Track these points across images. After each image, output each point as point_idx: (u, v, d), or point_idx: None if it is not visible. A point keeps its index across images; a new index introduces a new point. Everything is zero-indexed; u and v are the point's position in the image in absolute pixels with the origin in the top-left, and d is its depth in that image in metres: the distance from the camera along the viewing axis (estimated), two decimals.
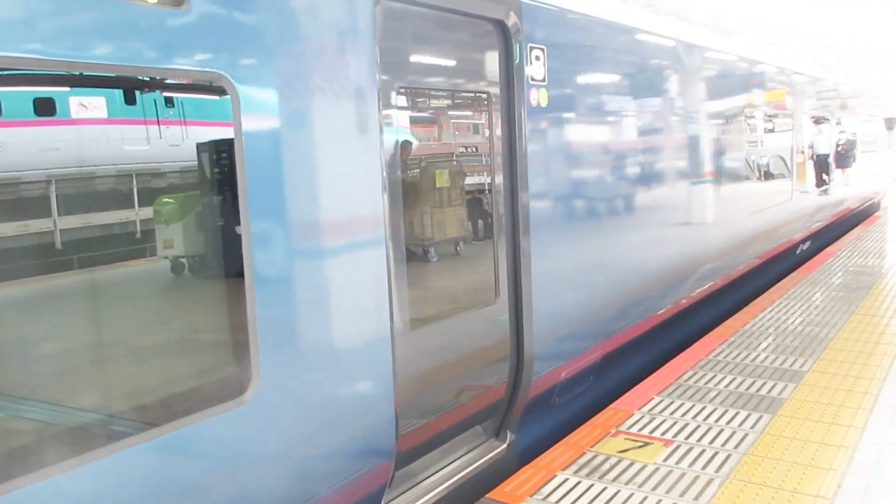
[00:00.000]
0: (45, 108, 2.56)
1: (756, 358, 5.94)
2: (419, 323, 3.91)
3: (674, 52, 6.62)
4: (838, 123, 13.31)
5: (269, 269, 2.94)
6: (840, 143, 13.27)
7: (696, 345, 6.38)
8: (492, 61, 4.27)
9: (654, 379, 5.54)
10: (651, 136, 6.23)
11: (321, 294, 3.19)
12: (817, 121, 11.94)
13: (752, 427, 4.57)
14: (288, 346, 3.04)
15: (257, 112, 2.84)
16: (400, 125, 3.73)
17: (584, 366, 5.24)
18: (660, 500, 3.71)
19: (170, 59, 2.57)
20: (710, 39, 7.44)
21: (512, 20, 4.26)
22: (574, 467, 4.10)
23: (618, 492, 3.81)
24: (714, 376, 5.53)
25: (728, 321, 7.16)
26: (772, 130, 10.10)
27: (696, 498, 3.72)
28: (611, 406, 5.02)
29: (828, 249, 11.36)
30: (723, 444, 4.33)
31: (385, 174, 3.47)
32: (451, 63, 4.22)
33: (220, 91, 2.74)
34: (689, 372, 5.65)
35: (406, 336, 3.74)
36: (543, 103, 4.55)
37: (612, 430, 4.58)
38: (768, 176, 9.79)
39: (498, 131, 4.32)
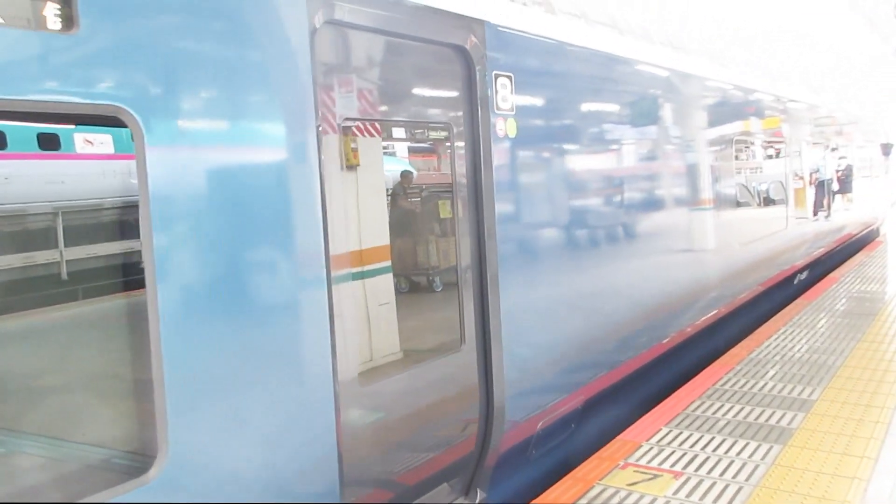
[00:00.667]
0: None
1: (763, 387, 5.83)
2: (370, 377, 3.60)
3: (655, 78, 6.41)
4: (834, 149, 13.30)
5: (179, 323, 2.54)
6: (839, 168, 13.25)
7: (702, 374, 6.27)
8: (453, 90, 3.99)
9: (661, 409, 5.43)
10: (630, 166, 5.94)
11: (245, 348, 2.79)
12: (816, 146, 11.93)
13: (762, 458, 4.45)
14: (205, 411, 2.63)
15: (166, 148, 2.50)
16: (346, 159, 3.52)
17: (563, 414, 4.83)
18: None
19: (59, 90, 2.27)
20: (694, 66, 7.23)
21: (474, 46, 3.98)
22: (583, 501, 3.98)
23: None
24: (721, 406, 5.42)
25: (733, 349, 7.05)
26: (766, 157, 9.97)
27: None
28: (618, 437, 4.91)
29: (831, 275, 11.27)
30: (734, 476, 4.21)
31: (325, 208, 3.10)
32: (407, 93, 3.92)
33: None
34: (697, 402, 5.54)
35: (353, 392, 3.36)
36: (511, 134, 4.26)
37: (621, 463, 4.46)
38: (762, 204, 9.56)
39: (461, 164, 4.02)
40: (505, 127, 4.20)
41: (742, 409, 5.34)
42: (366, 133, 3.87)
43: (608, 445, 4.78)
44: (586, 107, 5.39)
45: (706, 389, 5.83)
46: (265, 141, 2.90)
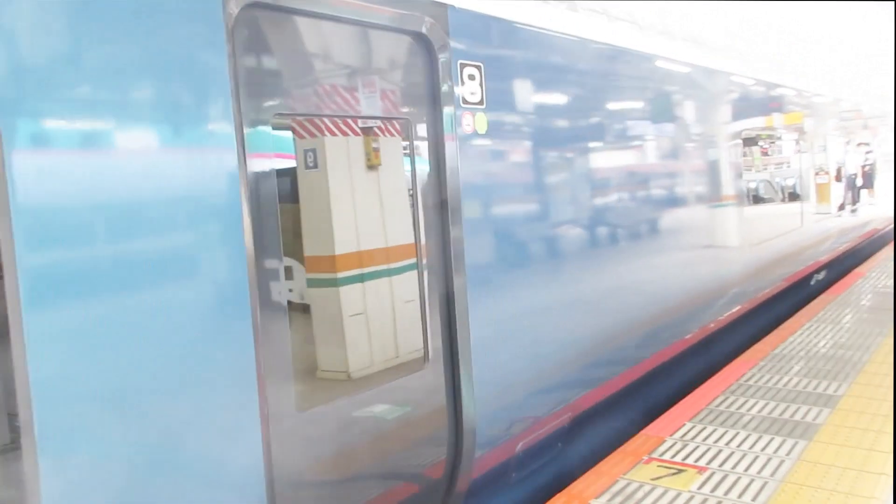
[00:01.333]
0: None
1: (788, 382, 5.76)
2: (310, 402, 3.20)
3: (650, 69, 5.95)
4: (861, 144, 13.06)
5: (53, 354, 2.14)
6: (865, 163, 13.03)
7: (725, 369, 6.21)
8: (411, 81, 3.58)
9: (685, 404, 5.39)
10: (621, 168, 5.44)
11: (143, 380, 2.36)
12: (839, 140, 11.68)
13: (787, 454, 4.40)
14: (83, 453, 2.24)
15: (32, 151, 2.13)
16: (277, 160, 3.08)
17: (547, 433, 4.46)
18: None
19: None
20: (699, 57, 6.75)
21: (434, 32, 3.57)
22: (607, 495, 3.97)
23: None
24: (745, 401, 5.37)
25: (757, 345, 6.97)
26: (780, 152, 9.53)
27: None
28: (642, 432, 4.88)
29: (856, 270, 11.10)
30: (758, 472, 4.18)
31: (249, 214, 2.72)
32: (356, 85, 3.43)
33: None
34: (721, 397, 5.49)
35: (288, 421, 2.92)
36: (481, 129, 3.87)
37: (645, 458, 4.44)
38: (774, 201, 9.10)
39: (422, 163, 3.62)
40: (473, 122, 3.82)
41: (766, 404, 5.29)
42: (317, 130, 3.58)
43: (632, 440, 4.76)
44: (572, 102, 4.91)
45: (730, 384, 5.77)
46: (166, 141, 2.49)
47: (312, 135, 3.64)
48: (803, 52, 10.72)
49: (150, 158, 2.42)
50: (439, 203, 3.68)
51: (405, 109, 3.56)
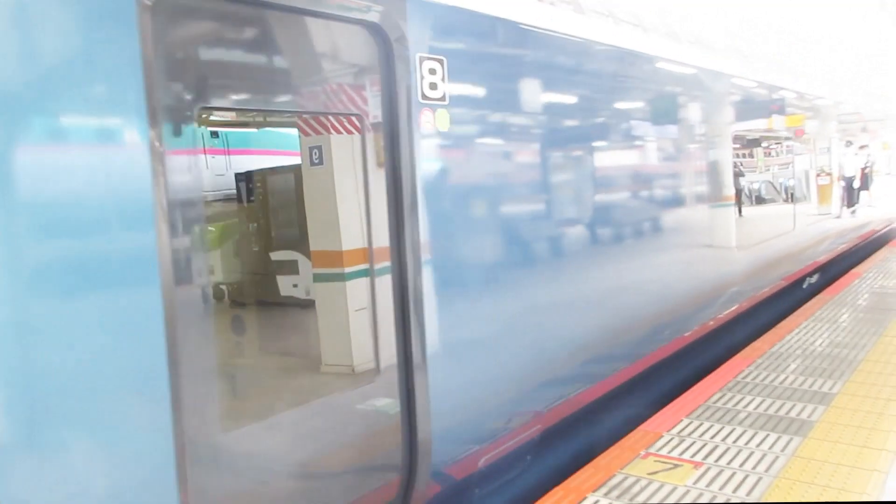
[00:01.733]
0: None
1: (784, 380, 5.82)
2: (238, 421, 2.95)
3: (631, 65, 5.64)
4: (863, 146, 13.07)
5: None
6: (865, 165, 13.06)
7: (723, 367, 6.27)
8: (364, 75, 3.34)
9: (683, 401, 5.44)
10: (592, 165, 5.14)
11: (45, 386, 2.15)
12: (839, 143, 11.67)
13: (782, 450, 4.46)
14: None
15: None
16: (200, 157, 2.93)
17: (513, 447, 4.21)
18: None
19: None
20: (689, 56, 6.51)
21: (390, 23, 3.32)
22: (604, 489, 4.03)
23: None
24: (742, 398, 5.43)
25: (755, 343, 7.03)
26: (770, 155, 9.33)
27: None
28: (640, 427, 4.94)
29: (854, 271, 11.15)
30: (753, 467, 4.24)
31: (164, 215, 2.47)
32: (300, 79, 3.17)
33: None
34: (718, 394, 5.55)
35: (208, 447, 2.62)
36: (443, 127, 3.62)
37: (642, 452, 4.50)
38: (763, 204, 8.83)
39: (375, 163, 3.37)
40: (434, 119, 3.56)
41: (763, 401, 5.34)
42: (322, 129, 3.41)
43: (630, 435, 4.82)
44: (544, 99, 4.60)
45: (727, 382, 5.83)
46: (69, 136, 2.29)
47: (317, 132, 3.62)
48: (803, 53, 10.74)
49: (54, 154, 2.24)
50: (395, 205, 3.42)
51: (356, 105, 3.32)
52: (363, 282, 3.50)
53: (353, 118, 3.36)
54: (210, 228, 6.20)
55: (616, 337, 5.27)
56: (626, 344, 5.47)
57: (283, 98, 3.22)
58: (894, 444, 4.47)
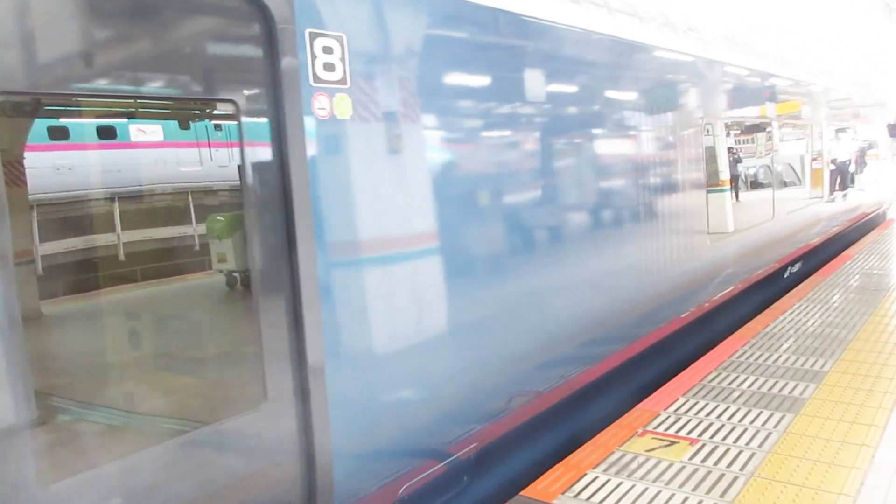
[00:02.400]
0: None
1: (778, 359, 5.94)
2: (66, 469, 2.52)
3: (587, 48, 5.11)
4: (846, 132, 12.99)
5: None
6: (851, 152, 13.05)
7: (719, 347, 6.38)
8: (237, 54, 2.89)
9: (679, 380, 5.56)
10: (523, 160, 4.56)
11: None
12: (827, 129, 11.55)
13: (775, 426, 4.59)
14: None
15: None
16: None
17: (441, 471, 3.74)
18: (686, 498, 3.75)
19: None
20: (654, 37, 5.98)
21: None
22: (603, 466, 4.15)
23: (646, 489, 3.86)
24: (737, 377, 5.55)
25: (750, 323, 7.15)
26: (747, 141, 8.99)
27: (722, 495, 3.76)
28: (637, 406, 5.06)
29: (845, 252, 11.27)
30: (747, 443, 4.36)
31: None
32: (150, 57, 2.64)
33: None
34: (713, 373, 5.67)
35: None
36: (343, 114, 3.14)
37: (640, 430, 4.62)
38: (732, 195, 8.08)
39: (258, 154, 2.88)
40: (330, 105, 3.10)
41: (757, 379, 5.47)
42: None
43: (628, 414, 4.93)
44: (468, 83, 4.08)
45: (723, 361, 5.95)
46: None
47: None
48: (792, 39, 10.74)
49: None
50: (281, 205, 2.95)
51: (227, 89, 2.84)
52: None
53: (229, 104, 2.85)
54: (219, 218, 6.31)
55: (551, 348, 4.76)
56: (559, 356, 4.89)
57: (141, 79, 2.66)
58: (883, 420, 4.60)
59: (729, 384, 5.40)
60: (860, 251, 11.23)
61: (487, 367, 4.11)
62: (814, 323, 7.02)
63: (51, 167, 9.88)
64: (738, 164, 8.85)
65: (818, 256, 11.09)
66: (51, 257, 8.22)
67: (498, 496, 4.19)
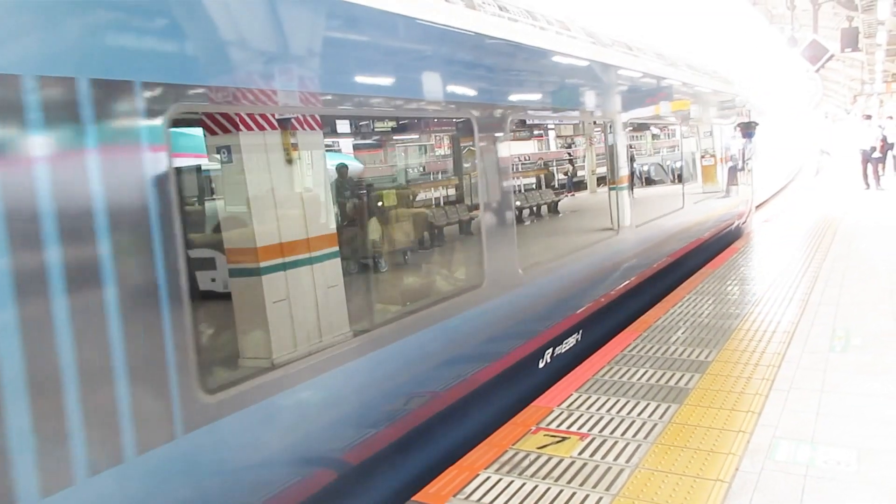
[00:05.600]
0: None
1: (667, 351, 6.08)
2: None
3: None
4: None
5: None
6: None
7: (612, 341, 6.49)
8: None
9: (573, 376, 5.61)
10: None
11: None
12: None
13: (660, 417, 4.67)
14: None
15: None
16: None
17: None
18: (574, 493, 3.75)
19: None
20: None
21: None
22: (496, 465, 4.12)
23: (535, 487, 3.83)
24: (629, 370, 5.64)
25: (643, 317, 7.31)
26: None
27: (608, 488, 3.78)
28: (532, 404, 5.06)
29: (733, 245, 11.75)
30: (634, 435, 4.41)
31: None
32: None
33: None
34: (606, 367, 5.74)
35: None
36: None
37: (533, 428, 4.62)
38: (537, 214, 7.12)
39: None
40: None
41: (647, 372, 5.57)
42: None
43: (523, 412, 4.93)
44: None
45: (615, 355, 6.04)
46: None
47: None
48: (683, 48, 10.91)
49: None
50: None
51: None
52: None
53: None
54: None
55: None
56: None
57: None
58: (758, 406, 4.75)
59: (620, 377, 5.48)
60: (747, 244, 11.73)
61: None
62: (703, 314, 7.24)
63: None
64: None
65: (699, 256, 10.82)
66: None
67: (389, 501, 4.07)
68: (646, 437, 4.37)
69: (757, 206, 16.44)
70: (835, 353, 5.75)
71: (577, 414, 4.82)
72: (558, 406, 4.97)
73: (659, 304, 7.81)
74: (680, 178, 10.18)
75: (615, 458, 4.12)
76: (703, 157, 11.39)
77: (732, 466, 3.94)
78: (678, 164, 10.18)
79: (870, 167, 19.39)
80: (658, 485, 3.78)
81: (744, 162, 13.97)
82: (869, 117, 22.49)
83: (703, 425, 4.50)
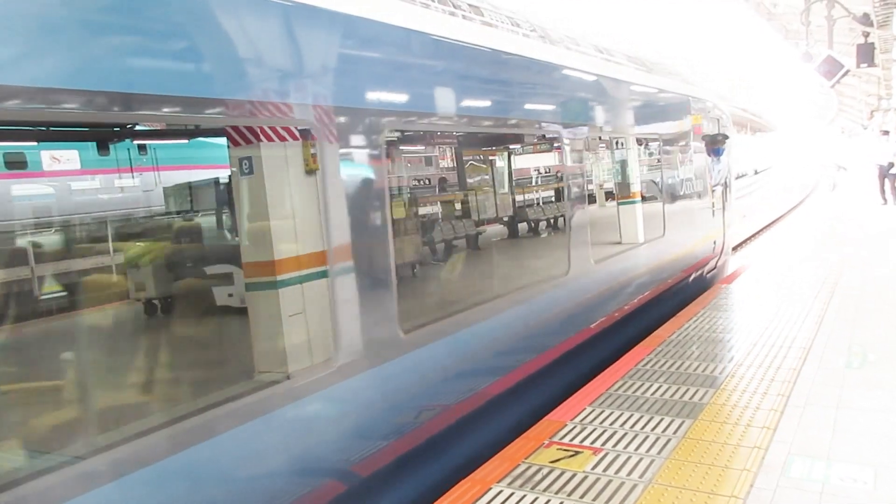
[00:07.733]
0: None
1: (681, 366, 6.03)
2: None
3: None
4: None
5: None
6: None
7: (626, 356, 6.45)
8: None
9: (587, 390, 5.57)
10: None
11: None
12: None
13: (674, 432, 4.62)
14: None
15: None
16: None
17: None
18: None
19: None
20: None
21: None
22: (508, 479, 4.09)
23: (548, 501, 3.81)
24: (642, 385, 5.60)
25: (656, 331, 7.26)
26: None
27: (622, 503, 3.75)
28: (545, 418, 5.03)
29: (739, 269, 11.65)
30: (647, 450, 4.37)
31: None
32: None
33: None
34: (619, 382, 5.70)
35: None
36: None
37: (546, 442, 4.59)
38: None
39: None
40: None
41: (660, 387, 5.52)
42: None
43: (536, 425, 4.90)
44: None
45: (629, 370, 6.00)
46: None
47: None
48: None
49: None
50: None
51: None
52: None
53: None
54: None
55: None
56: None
57: None
58: (773, 422, 4.69)
59: (633, 392, 5.44)
60: (755, 263, 11.63)
61: None
62: (716, 329, 7.18)
63: None
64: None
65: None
66: None
67: None
68: (659, 453, 4.33)
69: (773, 221, 15.85)
70: (851, 369, 5.68)
71: (590, 428, 4.78)
72: (571, 420, 4.94)
73: (672, 320, 7.75)
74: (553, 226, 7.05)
75: (629, 473, 4.08)
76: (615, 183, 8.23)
77: (747, 483, 3.89)
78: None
79: (887, 183, 19.17)
80: (672, 501, 3.74)
81: (710, 188, 10.61)
82: (886, 133, 22.26)
83: (717, 441, 4.45)
